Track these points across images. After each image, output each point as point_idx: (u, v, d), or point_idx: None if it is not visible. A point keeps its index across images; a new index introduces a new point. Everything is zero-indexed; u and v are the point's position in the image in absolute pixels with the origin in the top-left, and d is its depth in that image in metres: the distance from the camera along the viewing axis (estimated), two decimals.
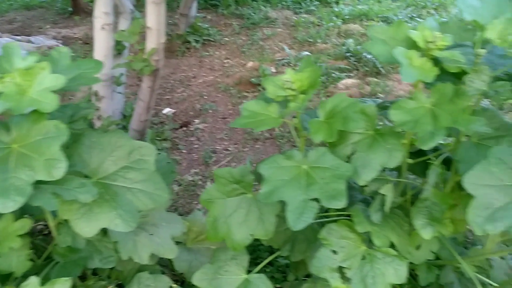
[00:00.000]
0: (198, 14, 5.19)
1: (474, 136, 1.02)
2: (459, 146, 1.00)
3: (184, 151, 2.87)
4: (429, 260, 1.21)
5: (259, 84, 3.64)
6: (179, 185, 2.53)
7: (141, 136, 2.58)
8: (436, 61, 0.99)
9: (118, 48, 2.85)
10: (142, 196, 1.16)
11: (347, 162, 1.01)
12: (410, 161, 1.16)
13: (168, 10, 5.61)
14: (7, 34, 4.53)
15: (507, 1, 0.94)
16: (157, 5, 1.81)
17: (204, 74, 4.05)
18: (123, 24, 2.82)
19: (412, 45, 0.98)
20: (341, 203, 0.91)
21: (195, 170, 2.64)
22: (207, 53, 4.45)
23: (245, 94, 3.58)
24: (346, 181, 0.95)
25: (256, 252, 1.88)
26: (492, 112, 1.03)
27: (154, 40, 1.94)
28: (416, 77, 0.88)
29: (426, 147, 0.86)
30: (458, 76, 0.99)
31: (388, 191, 1.06)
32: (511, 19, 0.87)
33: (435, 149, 1.24)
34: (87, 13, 5.69)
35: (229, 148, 2.89)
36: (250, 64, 4.00)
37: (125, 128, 2.82)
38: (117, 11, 2.94)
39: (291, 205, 0.93)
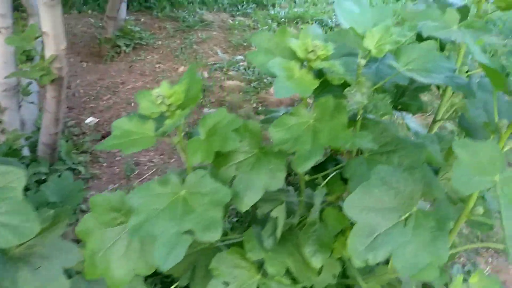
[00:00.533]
0: (129, 17, 4.96)
1: (366, 151, 0.96)
2: (349, 162, 0.93)
3: (104, 164, 2.68)
4: (338, 281, 1.15)
5: None
6: None
7: (52, 150, 2.37)
8: (322, 73, 0.91)
9: (27, 54, 2.62)
10: (5, 231, 1.01)
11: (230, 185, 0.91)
12: (307, 177, 1.09)
13: (95, 12, 5.34)
14: None
15: (388, 7, 0.88)
16: (51, 7, 1.64)
17: (133, 79, 3.85)
18: None
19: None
20: (215, 235, 0.81)
21: (114, 186, 2.46)
22: (139, 58, 4.25)
23: None
24: (224, 208, 0.85)
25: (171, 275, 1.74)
26: (384, 125, 0.97)
27: (53, 46, 1.76)
28: (292, 91, 0.80)
29: (301, 169, 0.78)
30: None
31: (279, 213, 0.98)
32: (389, 26, 0.81)
33: (336, 163, 1.18)
34: None
35: (154, 160, 2.74)
36: (181, 69, 3.85)
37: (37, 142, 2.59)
38: (27, 13, 2.72)
39: (161, 239, 0.82)
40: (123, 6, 4.45)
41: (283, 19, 4.92)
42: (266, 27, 4.68)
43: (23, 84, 2.45)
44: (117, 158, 2.74)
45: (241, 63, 3.92)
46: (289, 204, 1.20)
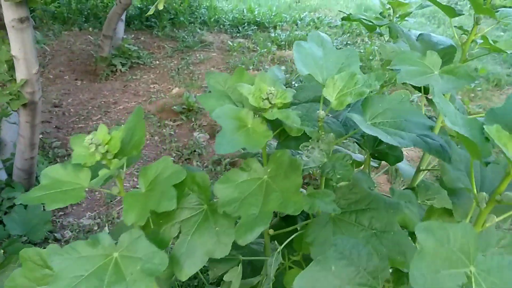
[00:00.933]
0: (128, 36, 4.94)
1: None
2: (312, 223, 0.81)
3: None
4: None
5: (182, 113, 3.41)
6: (71, 231, 2.22)
7: (28, 175, 2.27)
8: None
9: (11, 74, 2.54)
10: None
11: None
12: (271, 232, 0.96)
13: (96, 29, 5.30)
14: None
15: (354, 52, 0.77)
16: (19, 31, 1.55)
17: (126, 99, 3.78)
18: None
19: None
20: None
21: (91, 213, 2.34)
22: (134, 77, 4.18)
23: (166, 122, 3.34)
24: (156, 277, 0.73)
25: None
26: (355, 180, 0.85)
27: (24, 70, 1.67)
28: (238, 146, 0.68)
29: (242, 241, 0.65)
30: None
31: (234, 277, 0.85)
32: (354, 74, 0.69)
33: (307, 217, 1.05)
34: None
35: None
36: (175, 90, 3.77)
37: None
38: None
39: None
40: (121, 25, 4.41)
41: (283, 42, 4.86)
42: (265, 49, 4.61)
43: (3, 105, 2.37)
44: None
45: None
46: (254, 262, 1.08)
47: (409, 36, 1.00)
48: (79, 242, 0.78)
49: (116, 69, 4.23)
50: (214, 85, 0.84)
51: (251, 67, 4.21)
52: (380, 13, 1.19)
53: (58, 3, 5.55)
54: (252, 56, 4.49)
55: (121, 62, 4.27)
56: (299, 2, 6.60)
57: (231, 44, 4.86)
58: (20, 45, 1.59)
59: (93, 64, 4.34)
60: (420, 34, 1.03)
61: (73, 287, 0.73)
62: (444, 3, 0.90)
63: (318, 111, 0.72)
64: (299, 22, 5.52)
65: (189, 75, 4.18)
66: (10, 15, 1.48)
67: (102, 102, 3.71)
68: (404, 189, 1.11)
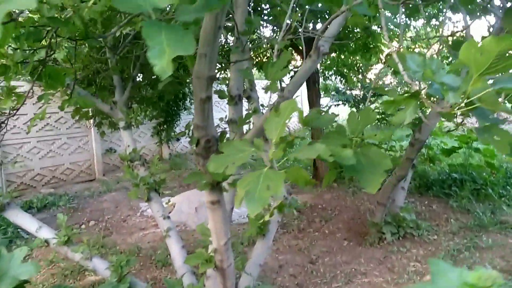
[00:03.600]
0: (415, 203, 4.77)
1: None
2: None
3: None
4: None
5: None
6: None
7: None
8: None
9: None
10: None
11: None
12: None
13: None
14: None
15: None
16: (211, 210, 1.90)
17: (376, 273, 3.56)
18: None
19: None
20: None
21: None
22: (400, 249, 3.93)
23: None
24: None
25: None
26: None
27: (215, 241, 1.99)
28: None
29: None
30: None
31: None
32: None
33: None
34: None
35: None
36: (427, 277, 3.25)
37: None
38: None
39: None
40: (401, 193, 4.35)
41: None
42: None
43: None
44: None
45: None
46: None
47: None
48: None
49: (385, 237, 4.12)
50: None
51: None
52: None
53: None
54: None
55: (391, 231, 4.14)
56: None
57: None
58: (212, 222, 1.93)
59: (366, 227, 4.42)
60: None
61: None
62: None
63: None
64: None
65: (461, 261, 3.53)
66: (206, 197, 1.86)
67: (353, 270, 3.65)
68: None
